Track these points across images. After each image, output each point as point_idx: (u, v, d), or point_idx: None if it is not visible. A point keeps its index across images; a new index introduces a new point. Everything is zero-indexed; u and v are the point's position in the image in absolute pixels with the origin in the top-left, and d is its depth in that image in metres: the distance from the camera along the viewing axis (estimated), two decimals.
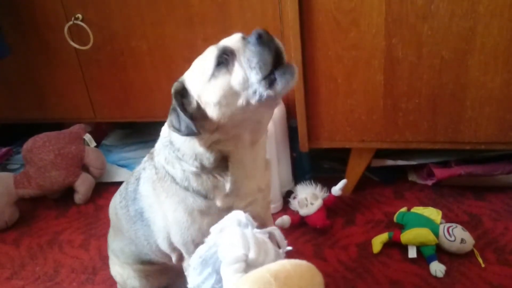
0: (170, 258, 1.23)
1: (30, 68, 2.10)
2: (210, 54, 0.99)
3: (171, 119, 1.03)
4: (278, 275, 0.72)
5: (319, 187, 1.75)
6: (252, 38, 0.94)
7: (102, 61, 1.98)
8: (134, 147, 2.34)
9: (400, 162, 1.85)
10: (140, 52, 1.91)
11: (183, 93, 1.04)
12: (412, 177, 1.91)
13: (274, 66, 0.94)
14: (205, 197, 1.09)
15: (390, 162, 1.86)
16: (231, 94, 0.96)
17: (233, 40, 1.01)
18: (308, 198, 1.70)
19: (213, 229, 0.88)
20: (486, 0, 1.35)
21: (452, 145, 1.61)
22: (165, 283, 1.41)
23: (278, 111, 1.77)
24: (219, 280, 0.83)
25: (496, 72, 1.44)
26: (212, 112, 1.00)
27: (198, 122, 1.02)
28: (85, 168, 2.11)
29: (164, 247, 1.20)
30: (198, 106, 1.02)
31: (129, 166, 2.20)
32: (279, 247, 0.91)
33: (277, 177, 1.80)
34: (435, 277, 1.44)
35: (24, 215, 2.03)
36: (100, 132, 2.45)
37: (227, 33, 1.75)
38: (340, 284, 1.46)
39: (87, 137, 2.18)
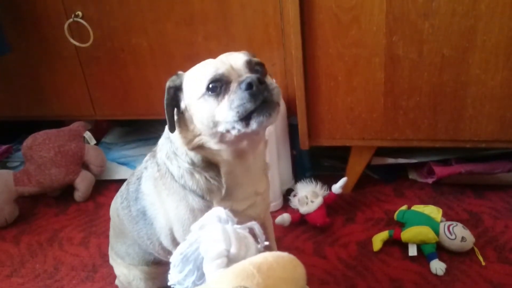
0: None
1: (30, 66, 2.10)
2: (206, 74, 0.98)
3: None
4: (261, 267, 0.73)
5: (319, 185, 1.75)
6: (243, 85, 0.93)
7: (102, 59, 1.98)
8: (134, 145, 2.34)
9: (401, 160, 1.85)
10: (140, 49, 1.91)
11: (180, 87, 1.05)
12: (413, 175, 1.91)
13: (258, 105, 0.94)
14: (202, 197, 1.09)
15: (390, 160, 1.86)
16: (213, 121, 0.98)
17: (236, 64, 1.00)
18: (309, 196, 1.70)
19: (194, 226, 0.88)
20: None
21: (452, 143, 1.61)
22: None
23: None
24: (200, 277, 0.84)
25: (497, 70, 1.44)
26: (197, 123, 1.02)
27: (185, 120, 1.05)
28: (85, 166, 2.11)
29: (167, 244, 1.19)
30: (188, 109, 1.04)
31: (129, 164, 2.20)
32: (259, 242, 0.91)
33: (277, 175, 1.79)
34: (436, 275, 1.43)
35: (24, 212, 2.03)
36: (100, 130, 2.45)
37: (228, 31, 1.77)
38: (340, 282, 1.46)
39: (87, 134, 2.18)
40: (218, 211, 0.88)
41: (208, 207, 1.08)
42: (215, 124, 0.98)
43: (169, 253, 1.23)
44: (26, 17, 1.98)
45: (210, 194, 1.08)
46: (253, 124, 0.94)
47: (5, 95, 2.23)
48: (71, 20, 1.89)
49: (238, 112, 0.93)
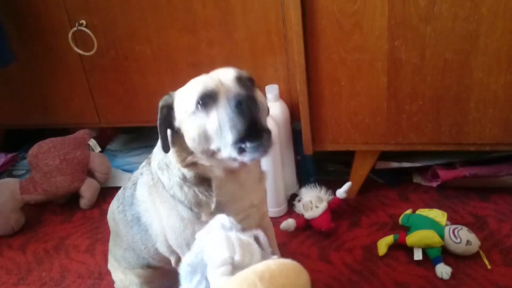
0: (168, 261, 1.23)
1: (34, 74, 2.11)
2: (196, 90, 0.99)
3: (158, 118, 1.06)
4: (263, 276, 0.72)
5: (323, 190, 1.75)
6: (232, 103, 0.94)
7: (106, 66, 1.99)
8: (139, 152, 2.35)
9: (405, 164, 1.85)
10: (143, 57, 1.92)
11: (172, 106, 1.06)
12: (417, 179, 1.90)
13: (250, 132, 0.95)
14: (190, 209, 1.09)
15: (394, 164, 1.86)
16: (205, 137, 0.98)
17: (226, 79, 1.01)
18: (313, 201, 1.70)
19: (199, 235, 0.89)
20: (489, 1, 1.35)
21: (456, 146, 1.61)
22: (165, 286, 1.41)
23: (282, 114, 1.77)
24: (209, 286, 0.84)
25: (500, 73, 1.44)
26: (188, 141, 1.03)
27: (179, 139, 1.05)
28: (90, 173, 2.12)
29: (163, 250, 1.21)
30: (180, 127, 1.05)
31: (134, 171, 2.18)
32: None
33: (281, 181, 1.80)
34: (441, 279, 1.43)
35: (30, 220, 2.04)
36: (104, 137, 2.45)
37: (231, 37, 1.78)
38: (345, 286, 1.46)
39: (92, 142, 2.19)
40: (222, 219, 0.88)
41: (197, 218, 1.09)
42: (207, 140, 0.98)
43: (164, 258, 1.24)
44: (31, 26, 2.00)
45: (199, 207, 1.09)
46: (247, 156, 0.96)
47: (10, 103, 2.24)
48: (75, 28, 1.90)
49: (232, 132, 0.94)
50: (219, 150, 0.98)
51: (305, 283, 0.77)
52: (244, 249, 0.81)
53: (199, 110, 0.98)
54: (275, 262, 0.76)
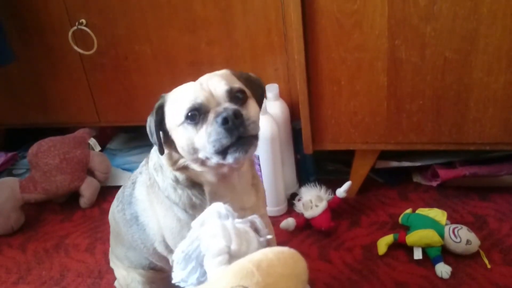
0: (168, 261, 1.23)
1: (34, 73, 2.11)
2: (185, 102, 0.99)
3: (149, 120, 1.07)
4: (260, 265, 0.72)
5: (323, 189, 1.75)
6: (219, 119, 0.95)
7: (106, 66, 1.99)
8: (139, 151, 2.35)
9: (405, 164, 1.85)
10: (143, 56, 1.92)
11: (164, 110, 1.06)
12: (417, 178, 1.90)
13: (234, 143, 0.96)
14: (185, 211, 1.10)
15: (394, 164, 1.86)
16: (193, 148, 1.00)
17: (216, 91, 1.00)
18: (313, 200, 1.70)
19: (194, 224, 0.89)
20: (489, 1, 1.35)
21: (456, 146, 1.61)
22: None
23: (282, 113, 1.77)
24: (203, 273, 0.84)
25: (500, 73, 1.44)
26: (178, 148, 1.04)
27: (170, 143, 1.06)
28: (90, 172, 2.12)
29: (161, 250, 1.21)
30: (170, 133, 1.06)
31: (134, 170, 2.19)
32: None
33: (281, 180, 1.80)
34: (441, 278, 1.43)
35: (30, 219, 2.04)
36: (104, 136, 2.46)
37: (231, 36, 1.78)
38: (345, 286, 1.46)
39: (92, 141, 2.19)
40: (218, 207, 0.88)
41: (193, 219, 1.09)
42: (195, 151, 1.00)
43: (163, 258, 1.24)
44: (31, 25, 2.00)
45: (193, 209, 1.09)
46: (229, 159, 0.97)
47: (10, 103, 2.24)
48: (75, 28, 1.90)
49: (214, 146, 0.96)
50: (207, 158, 1.01)
51: (303, 270, 0.77)
52: (241, 238, 0.81)
53: (188, 122, 0.99)
54: (273, 251, 0.76)
